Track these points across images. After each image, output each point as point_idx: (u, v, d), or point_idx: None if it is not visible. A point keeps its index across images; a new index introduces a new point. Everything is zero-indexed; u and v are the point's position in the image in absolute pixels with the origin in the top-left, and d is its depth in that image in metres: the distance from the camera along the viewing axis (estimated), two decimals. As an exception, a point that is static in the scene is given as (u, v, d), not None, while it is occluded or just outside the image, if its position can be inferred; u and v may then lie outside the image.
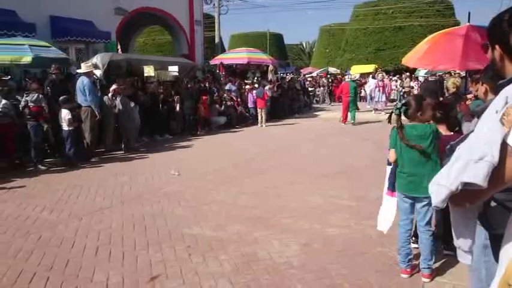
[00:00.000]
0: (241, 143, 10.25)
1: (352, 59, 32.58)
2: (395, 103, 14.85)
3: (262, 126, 13.12)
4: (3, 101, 6.89)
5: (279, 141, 10.30)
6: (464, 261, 1.60)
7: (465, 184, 1.23)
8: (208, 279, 3.24)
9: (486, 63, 2.72)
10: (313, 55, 47.31)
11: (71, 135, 7.57)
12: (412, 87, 17.80)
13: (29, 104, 7.17)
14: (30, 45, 8.65)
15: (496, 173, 1.17)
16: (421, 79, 19.53)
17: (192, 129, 11.61)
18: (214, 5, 23.92)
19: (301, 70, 33.46)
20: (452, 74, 14.93)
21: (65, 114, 7.53)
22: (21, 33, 10.11)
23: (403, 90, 18.37)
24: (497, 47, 1.37)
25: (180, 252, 3.76)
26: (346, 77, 18.94)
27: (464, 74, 8.42)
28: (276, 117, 14.68)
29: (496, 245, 1.41)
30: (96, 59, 9.89)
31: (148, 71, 10.85)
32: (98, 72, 9.63)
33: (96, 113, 8.30)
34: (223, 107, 13.11)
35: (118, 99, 8.99)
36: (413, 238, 3.52)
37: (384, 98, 17.22)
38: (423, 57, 5.99)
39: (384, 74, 19.35)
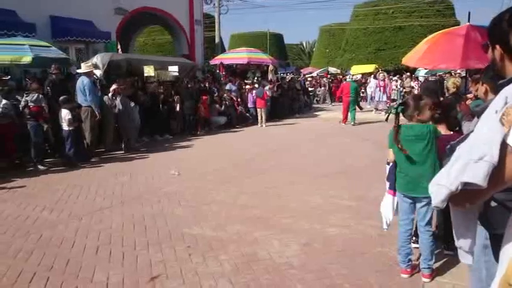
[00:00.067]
0: (241, 143, 10.25)
1: (352, 59, 32.59)
2: (395, 103, 14.84)
3: (262, 126, 13.12)
4: (3, 101, 6.89)
5: (279, 141, 10.30)
6: (466, 261, 1.61)
7: (465, 184, 1.23)
8: (208, 279, 3.24)
9: (487, 63, 2.72)
10: (313, 55, 47.32)
11: (71, 135, 7.57)
12: (413, 87, 17.79)
13: (29, 104, 7.17)
14: (30, 45, 8.66)
15: (496, 172, 1.17)
16: (421, 79, 19.54)
17: (192, 129, 11.61)
18: (214, 4, 23.97)
19: (301, 70, 33.45)
20: (453, 74, 14.94)
21: (65, 114, 7.53)
22: (21, 33, 10.12)
23: (404, 90, 18.37)
24: (497, 46, 1.37)
25: (180, 252, 3.76)
26: (347, 77, 18.91)
27: (464, 74, 8.42)
28: (276, 117, 14.69)
29: (496, 245, 1.41)
30: (96, 59, 9.89)
31: (148, 71, 10.86)
32: (98, 72, 9.63)
33: (96, 113, 8.29)
34: (223, 107, 13.10)
35: (118, 99, 8.99)
36: (414, 238, 3.52)
37: (385, 98, 17.22)
38: (423, 56, 5.98)
39: (385, 73, 19.35)
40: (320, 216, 4.69)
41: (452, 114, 3.67)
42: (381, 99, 17.11)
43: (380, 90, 17.03)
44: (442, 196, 1.30)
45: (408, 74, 20.37)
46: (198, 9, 19.51)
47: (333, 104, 20.73)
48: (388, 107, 15.12)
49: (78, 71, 8.98)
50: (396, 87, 19.66)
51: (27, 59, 8.28)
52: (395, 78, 21.36)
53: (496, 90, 1.38)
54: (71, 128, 7.56)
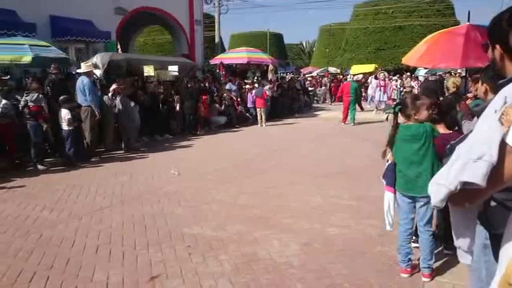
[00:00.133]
0: (241, 143, 10.25)
1: (352, 59, 32.61)
2: (394, 103, 14.83)
3: (262, 126, 13.12)
4: (3, 101, 6.89)
5: (279, 141, 10.30)
6: (465, 261, 1.61)
7: (464, 183, 1.23)
8: (208, 279, 3.24)
9: (486, 62, 2.72)
10: (313, 55, 47.35)
11: (71, 135, 7.57)
12: (413, 87, 17.79)
13: (29, 104, 7.17)
14: (30, 45, 8.66)
15: (495, 172, 1.17)
16: (421, 79, 19.54)
17: (192, 129, 11.61)
18: (214, 4, 23.96)
19: (301, 70, 33.45)
20: (453, 73, 14.94)
21: (65, 114, 7.53)
22: (21, 33, 10.12)
23: (404, 90, 18.36)
24: (497, 46, 1.37)
25: (180, 252, 3.76)
26: (348, 77, 18.91)
27: (464, 74, 8.42)
28: (276, 117, 14.68)
29: (496, 245, 1.41)
30: (96, 59, 9.88)
31: (148, 70, 10.85)
32: (98, 72, 9.63)
33: (96, 112, 8.29)
34: (223, 106, 13.10)
35: (118, 98, 8.99)
36: (414, 237, 3.52)
37: (385, 98, 17.22)
38: (423, 56, 5.99)
39: (386, 73, 19.35)
40: (320, 216, 4.69)
41: (452, 114, 3.66)
42: (381, 99, 17.10)
43: (380, 90, 17.02)
44: (442, 195, 1.30)
45: (408, 73, 20.37)
46: (198, 9, 19.51)
47: (333, 103, 20.74)
48: (388, 106, 15.11)
49: (78, 70, 8.98)
50: (396, 87, 19.67)
51: (27, 58, 8.28)
52: (395, 78, 21.37)
53: (495, 90, 1.38)
54: (70, 128, 7.56)
